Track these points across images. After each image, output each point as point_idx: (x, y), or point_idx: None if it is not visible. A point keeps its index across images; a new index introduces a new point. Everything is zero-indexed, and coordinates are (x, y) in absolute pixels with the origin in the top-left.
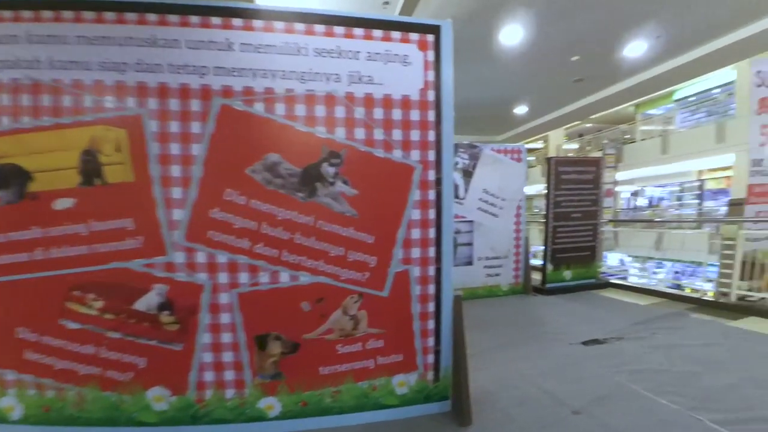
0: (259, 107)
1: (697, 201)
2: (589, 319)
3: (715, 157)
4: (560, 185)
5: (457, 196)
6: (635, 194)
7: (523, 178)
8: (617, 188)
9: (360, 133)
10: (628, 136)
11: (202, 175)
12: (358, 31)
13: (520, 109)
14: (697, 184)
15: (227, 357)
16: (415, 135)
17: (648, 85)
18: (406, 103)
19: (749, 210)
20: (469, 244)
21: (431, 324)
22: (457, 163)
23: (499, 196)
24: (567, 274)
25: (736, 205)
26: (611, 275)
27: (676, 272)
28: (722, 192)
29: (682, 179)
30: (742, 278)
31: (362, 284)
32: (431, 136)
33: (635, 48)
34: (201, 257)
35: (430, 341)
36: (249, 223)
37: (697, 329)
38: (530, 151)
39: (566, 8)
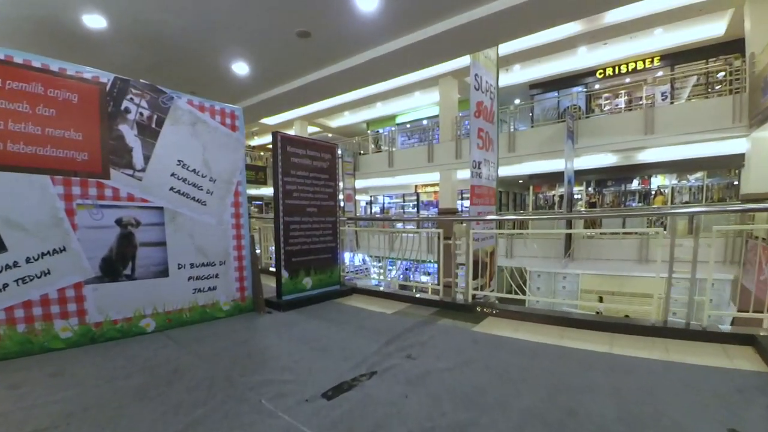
0: None
1: (415, 210)
2: (334, 345)
3: (427, 174)
4: (290, 170)
5: (130, 166)
6: (370, 203)
7: (241, 153)
8: (357, 197)
9: None
10: (362, 151)
11: None
12: None
13: (240, 68)
14: (414, 196)
15: None
16: None
17: (378, 67)
18: None
19: (473, 210)
20: (160, 243)
21: None
22: (127, 110)
23: (206, 175)
24: (307, 281)
25: (444, 214)
26: (356, 279)
27: (406, 269)
28: (432, 204)
29: (404, 191)
30: (474, 278)
31: None
32: None
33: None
34: None
35: None
36: None
37: (449, 341)
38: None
39: None
